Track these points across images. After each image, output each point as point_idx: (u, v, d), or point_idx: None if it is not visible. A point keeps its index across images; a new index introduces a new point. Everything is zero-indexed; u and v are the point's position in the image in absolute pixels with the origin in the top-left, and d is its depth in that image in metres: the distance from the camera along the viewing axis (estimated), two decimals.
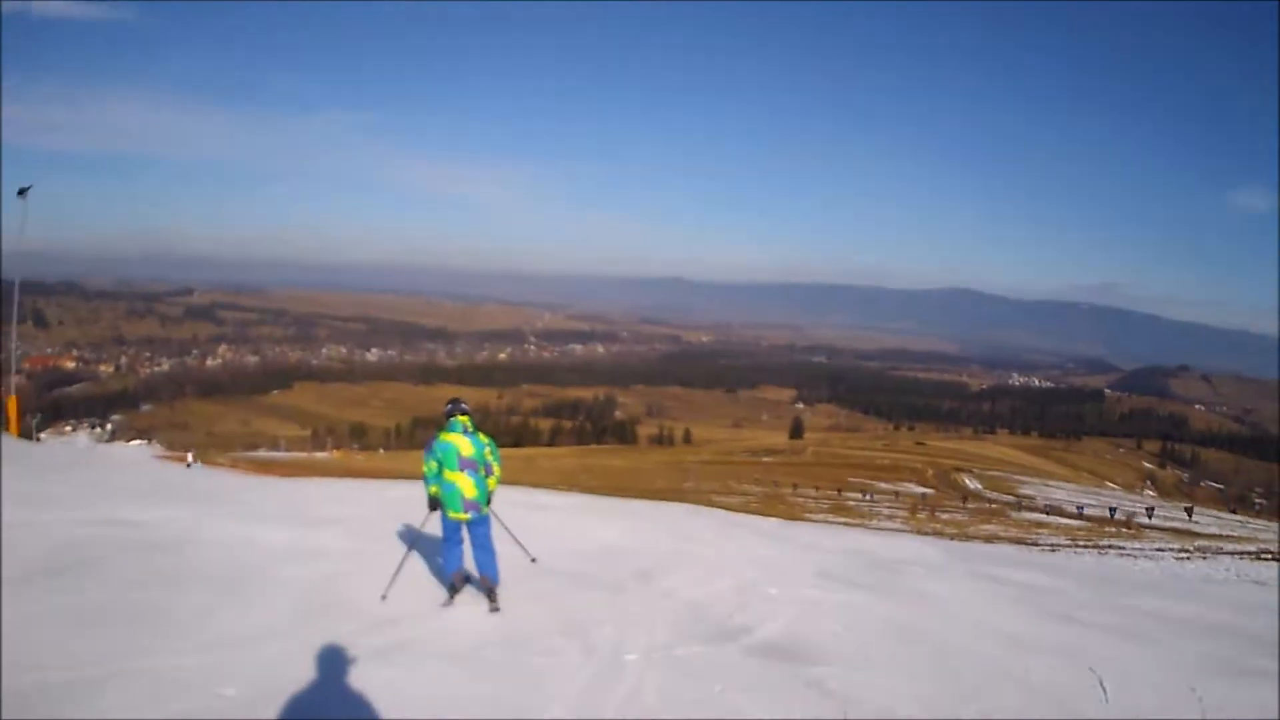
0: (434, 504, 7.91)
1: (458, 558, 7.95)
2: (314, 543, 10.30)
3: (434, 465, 7.77)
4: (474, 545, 7.89)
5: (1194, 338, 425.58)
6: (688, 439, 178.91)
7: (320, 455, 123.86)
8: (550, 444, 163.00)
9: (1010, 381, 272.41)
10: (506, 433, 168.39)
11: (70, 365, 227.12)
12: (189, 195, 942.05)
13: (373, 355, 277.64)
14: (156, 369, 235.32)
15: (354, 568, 8.97)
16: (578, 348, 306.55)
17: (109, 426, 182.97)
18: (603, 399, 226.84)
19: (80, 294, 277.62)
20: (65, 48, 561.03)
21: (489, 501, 7.95)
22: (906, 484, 72.58)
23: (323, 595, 7.95)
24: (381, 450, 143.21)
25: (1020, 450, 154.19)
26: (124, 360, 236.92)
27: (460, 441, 7.74)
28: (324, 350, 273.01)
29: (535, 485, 32.16)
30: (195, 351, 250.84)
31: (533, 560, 9.48)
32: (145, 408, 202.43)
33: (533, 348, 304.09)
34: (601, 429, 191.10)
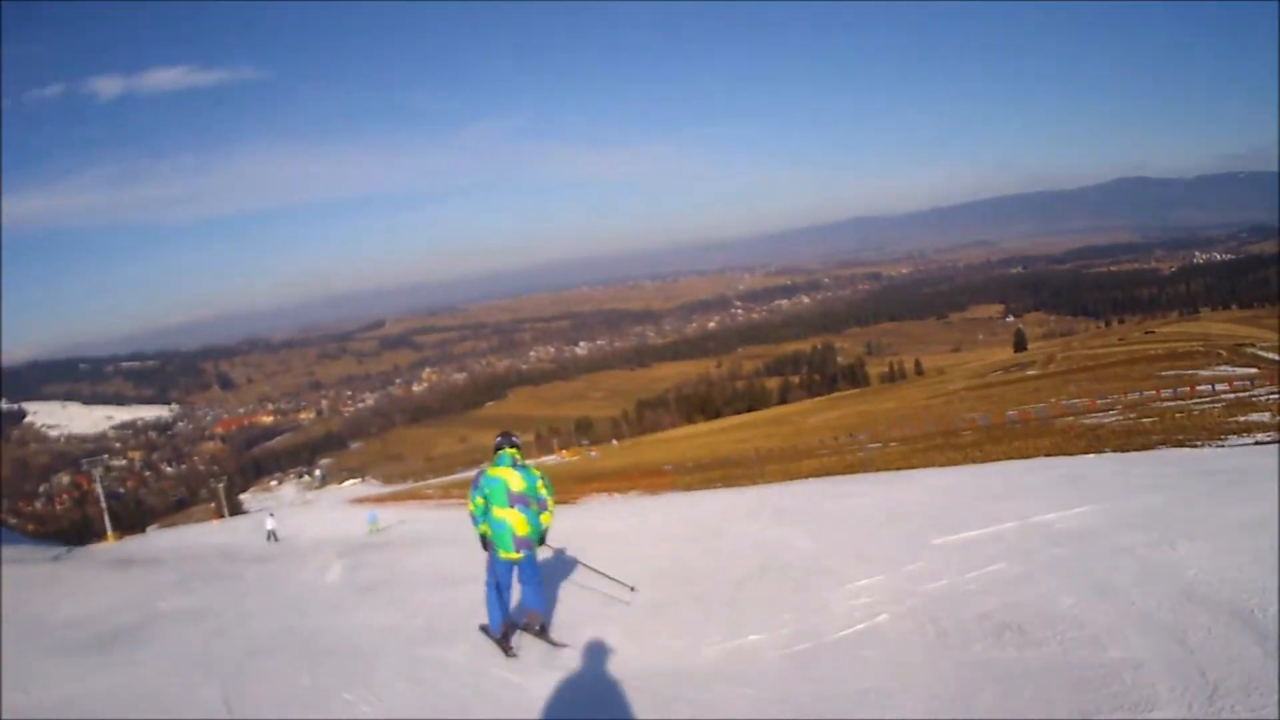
0: (486, 544, 7.59)
1: (505, 605, 7.50)
2: None
3: (480, 502, 7.48)
4: (522, 581, 7.58)
5: None
6: (919, 370, 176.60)
7: (548, 460, 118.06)
8: (782, 401, 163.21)
9: (1194, 260, 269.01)
10: (736, 398, 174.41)
11: (267, 420, 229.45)
12: (362, 232, 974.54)
13: (581, 349, 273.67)
14: (360, 405, 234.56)
15: None
16: (783, 303, 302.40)
17: (317, 472, 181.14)
18: (820, 348, 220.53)
19: (265, 348, 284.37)
20: (192, 118, 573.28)
21: (542, 540, 7.71)
22: (1219, 369, 62.55)
23: None
24: (614, 442, 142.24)
25: (1235, 324, 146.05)
26: (324, 404, 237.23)
27: (509, 476, 7.48)
28: (531, 353, 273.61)
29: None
30: (398, 380, 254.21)
31: (632, 590, 8.79)
32: (354, 445, 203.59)
33: (739, 311, 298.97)
34: (831, 377, 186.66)
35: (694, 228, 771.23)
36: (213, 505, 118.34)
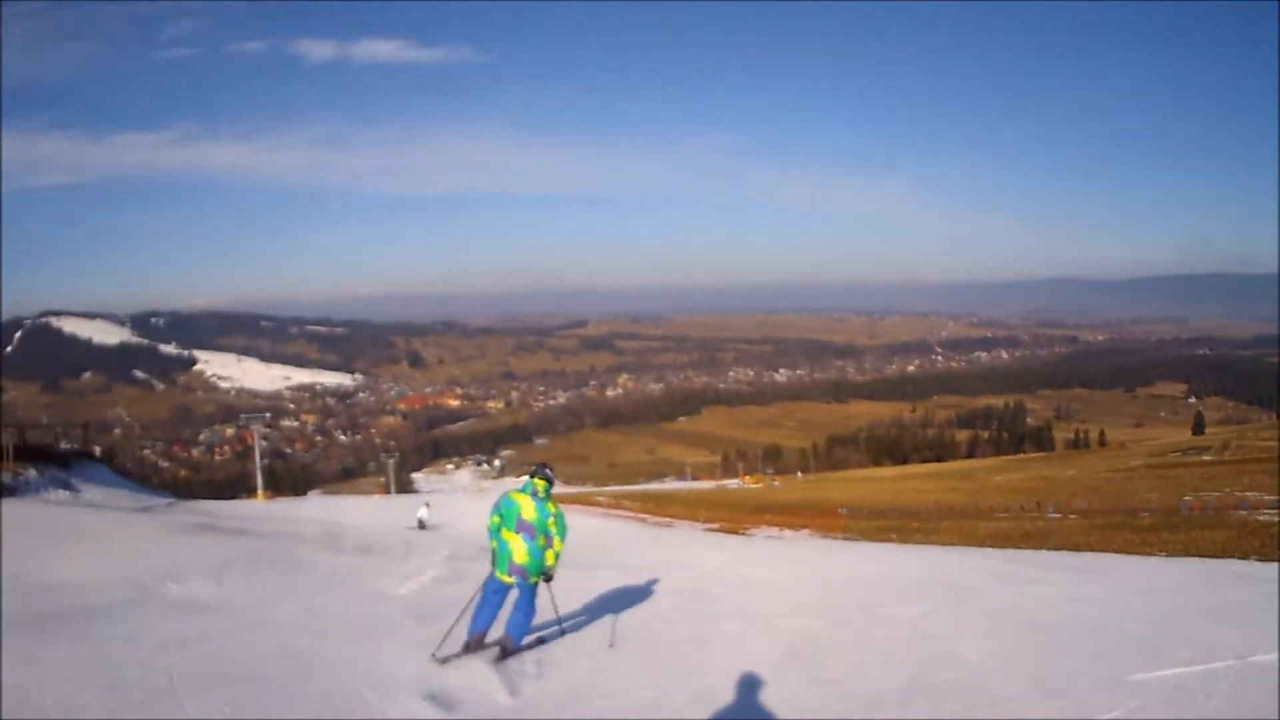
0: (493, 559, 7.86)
1: (487, 620, 7.71)
2: None
3: (496, 521, 7.77)
4: (514, 605, 7.76)
5: None
6: (1103, 441, 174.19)
7: (731, 484, 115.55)
8: (969, 455, 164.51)
9: None
10: (925, 446, 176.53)
11: (453, 403, 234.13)
12: (571, 229, 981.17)
13: (781, 376, 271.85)
14: (551, 402, 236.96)
15: None
16: (982, 355, 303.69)
17: (497, 462, 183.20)
18: (1012, 406, 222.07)
19: (461, 332, 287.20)
20: (404, 92, 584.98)
21: (545, 576, 7.79)
22: None
23: None
24: (799, 474, 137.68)
25: None
26: (514, 395, 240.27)
27: (525, 503, 7.70)
28: (731, 373, 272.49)
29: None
30: (593, 382, 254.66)
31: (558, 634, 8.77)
32: (540, 441, 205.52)
33: (939, 358, 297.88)
34: (1019, 437, 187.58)
35: (903, 267, 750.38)
36: (381, 480, 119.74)
